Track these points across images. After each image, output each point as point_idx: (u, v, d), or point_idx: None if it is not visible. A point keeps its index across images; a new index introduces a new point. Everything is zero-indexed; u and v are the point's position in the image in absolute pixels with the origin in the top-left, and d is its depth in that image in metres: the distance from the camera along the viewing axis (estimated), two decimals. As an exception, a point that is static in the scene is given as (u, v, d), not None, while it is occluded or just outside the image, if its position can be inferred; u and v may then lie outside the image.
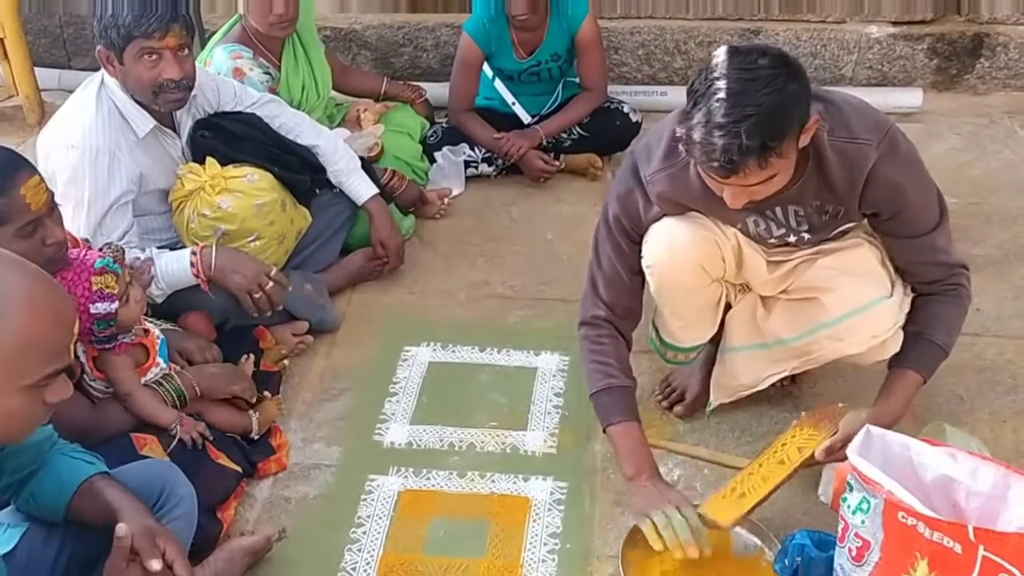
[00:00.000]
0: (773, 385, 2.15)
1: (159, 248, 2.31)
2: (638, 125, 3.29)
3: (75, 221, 2.17)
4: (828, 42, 3.80)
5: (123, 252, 1.94)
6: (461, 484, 2.06)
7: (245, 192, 2.33)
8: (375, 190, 2.70)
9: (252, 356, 2.25)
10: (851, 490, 1.54)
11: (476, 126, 3.23)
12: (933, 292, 1.88)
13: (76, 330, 1.29)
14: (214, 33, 2.97)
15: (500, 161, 3.26)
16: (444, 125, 3.35)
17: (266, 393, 2.20)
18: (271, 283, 2.28)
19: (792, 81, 1.57)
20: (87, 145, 2.20)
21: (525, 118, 3.29)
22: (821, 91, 1.77)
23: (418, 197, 3.04)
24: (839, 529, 1.59)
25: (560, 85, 3.32)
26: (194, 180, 2.31)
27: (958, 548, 1.41)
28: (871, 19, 3.79)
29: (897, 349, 1.90)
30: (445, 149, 3.26)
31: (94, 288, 1.82)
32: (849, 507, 1.54)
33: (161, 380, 1.98)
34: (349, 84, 3.41)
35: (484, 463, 2.12)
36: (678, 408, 2.22)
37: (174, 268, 2.23)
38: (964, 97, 3.84)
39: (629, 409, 1.94)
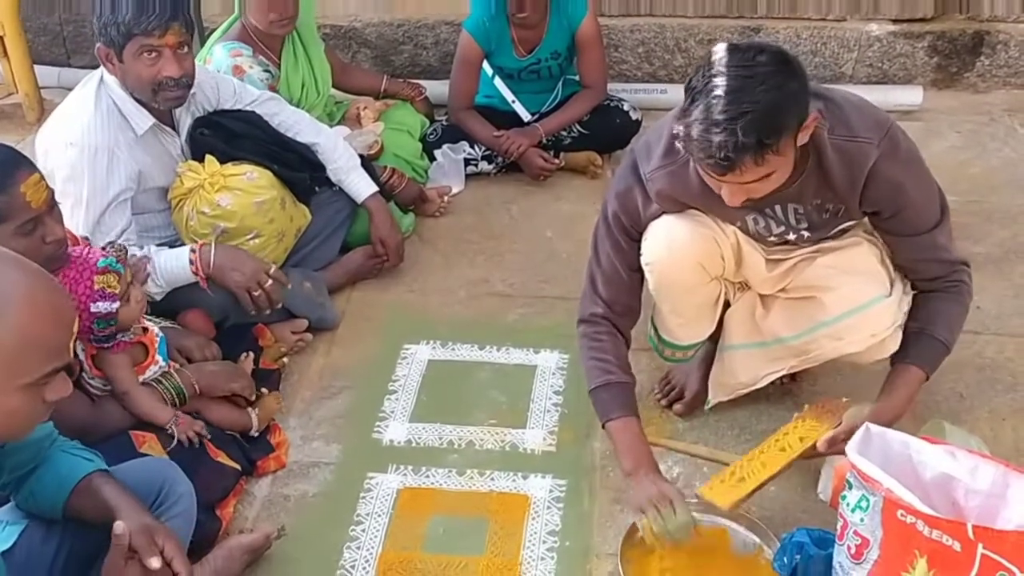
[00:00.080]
0: (772, 383, 2.15)
1: (158, 246, 2.31)
2: (638, 123, 3.29)
3: (74, 219, 2.17)
4: (828, 40, 3.80)
5: (126, 252, 1.94)
6: (460, 482, 2.06)
7: (244, 190, 2.33)
8: (375, 188, 2.70)
9: (251, 354, 2.25)
10: (850, 488, 1.54)
11: (476, 124, 3.23)
12: (934, 289, 1.88)
13: (76, 329, 1.29)
14: (214, 31, 2.97)
15: (500, 159, 3.26)
16: (444, 123, 3.35)
17: (264, 390, 2.20)
18: (270, 281, 2.28)
19: (790, 79, 1.57)
20: (86, 143, 2.19)
21: (525, 116, 3.28)
22: (821, 89, 1.77)
23: (418, 195, 3.04)
24: (838, 527, 1.59)
25: (560, 83, 3.32)
26: (193, 178, 2.31)
27: (957, 546, 1.41)
28: (871, 17, 3.79)
29: (896, 348, 1.90)
30: (445, 147, 3.26)
31: (96, 287, 1.82)
32: (848, 505, 1.54)
33: (160, 378, 1.98)
34: (349, 82, 3.41)
35: (483, 461, 2.12)
36: (677, 406, 2.22)
37: (173, 266, 2.23)
38: (964, 95, 3.84)
39: (628, 405, 1.94)
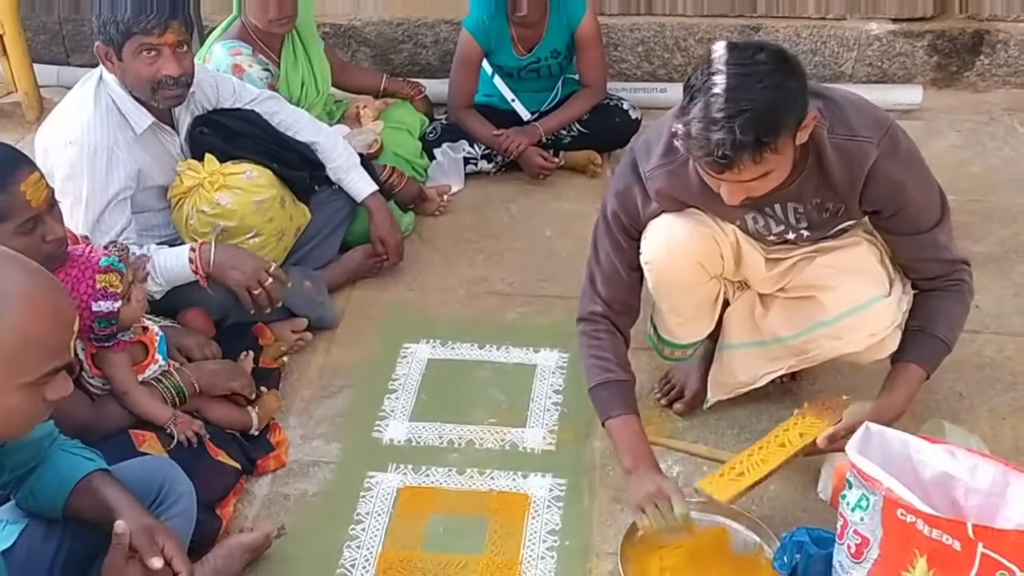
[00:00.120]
0: (772, 382, 2.15)
1: (158, 244, 2.31)
2: (638, 122, 3.29)
3: (73, 217, 2.16)
4: (828, 39, 3.80)
5: (128, 251, 1.94)
6: (460, 481, 2.06)
7: (244, 189, 2.33)
8: (374, 187, 2.70)
9: (251, 353, 2.25)
10: (850, 487, 1.54)
11: (475, 123, 3.23)
12: (935, 288, 1.88)
13: (76, 328, 1.28)
14: (213, 30, 2.97)
15: (499, 158, 3.26)
16: (443, 122, 3.35)
17: (263, 388, 2.20)
18: (270, 280, 2.28)
19: (789, 77, 1.57)
20: (85, 141, 2.19)
21: (524, 115, 3.28)
22: (821, 88, 1.77)
23: (417, 194, 3.04)
24: (838, 526, 1.59)
25: (559, 82, 3.32)
26: (193, 177, 2.31)
27: (957, 545, 1.41)
28: (871, 16, 3.79)
29: (895, 348, 1.90)
30: (444, 146, 3.26)
31: (98, 286, 1.82)
32: (848, 504, 1.54)
33: (160, 377, 1.98)
34: (348, 81, 3.41)
35: (483, 460, 2.12)
36: (677, 405, 2.22)
37: (173, 264, 2.23)
38: (964, 94, 3.84)
39: (627, 403, 1.94)
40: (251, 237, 2.36)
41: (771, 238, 1.93)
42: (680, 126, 1.62)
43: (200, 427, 1.95)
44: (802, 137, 1.64)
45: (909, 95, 3.69)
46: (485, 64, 3.23)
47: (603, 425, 1.97)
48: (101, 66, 2.23)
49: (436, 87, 3.56)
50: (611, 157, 3.35)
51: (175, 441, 1.89)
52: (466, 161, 3.26)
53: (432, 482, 2.06)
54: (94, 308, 1.82)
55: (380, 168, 2.92)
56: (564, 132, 3.29)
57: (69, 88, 2.37)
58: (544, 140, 3.25)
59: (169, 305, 2.28)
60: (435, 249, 2.92)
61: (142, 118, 2.26)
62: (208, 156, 2.33)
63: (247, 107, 2.51)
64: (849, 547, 1.55)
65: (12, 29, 3.54)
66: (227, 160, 2.35)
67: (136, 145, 2.27)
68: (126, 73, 2.19)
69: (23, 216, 1.71)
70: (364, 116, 3.20)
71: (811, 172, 1.75)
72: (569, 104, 3.27)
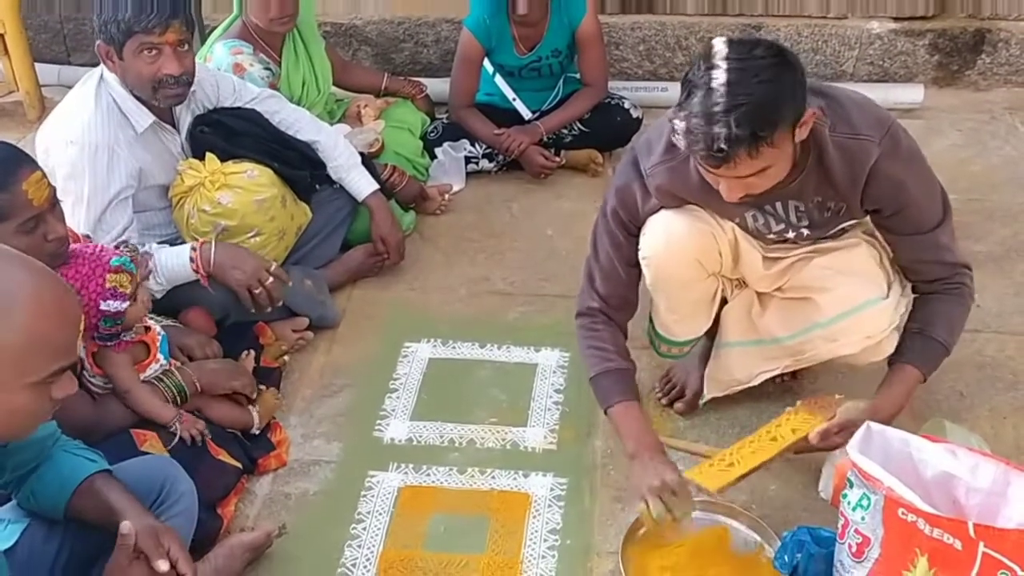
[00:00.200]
0: (773, 381, 2.15)
1: (159, 244, 2.31)
2: (639, 121, 3.28)
3: (75, 217, 2.16)
4: (829, 38, 3.80)
5: (138, 252, 1.94)
6: (461, 480, 2.06)
7: (245, 188, 2.33)
8: (375, 186, 2.70)
9: (252, 352, 2.25)
10: (851, 486, 1.54)
11: (477, 122, 3.23)
12: (935, 291, 1.88)
13: (82, 327, 1.29)
14: (214, 29, 2.97)
15: (501, 157, 3.26)
16: (445, 121, 3.35)
17: (261, 386, 2.20)
18: (271, 279, 2.28)
19: (787, 72, 1.57)
20: (86, 141, 2.19)
21: (526, 114, 3.28)
22: (823, 87, 1.77)
23: (418, 193, 3.04)
24: (839, 525, 1.59)
25: (561, 81, 3.31)
26: (194, 176, 2.31)
27: (958, 544, 1.41)
28: (872, 15, 3.78)
29: (892, 350, 1.90)
30: (446, 145, 3.26)
31: (107, 285, 1.82)
32: (849, 503, 1.54)
33: (161, 376, 1.98)
34: (349, 80, 3.40)
35: (484, 459, 2.12)
36: (678, 404, 2.22)
37: (174, 263, 2.23)
38: (965, 93, 3.84)
39: (627, 390, 1.95)
40: (252, 236, 2.36)
41: (771, 236, 1.93)
42: (677, 120, 1.62)
43: (203, 426, 1.95)
44: (801, 134, 1.64)
45: (910, 94, 3.69)
46: (486, 63, 3.23)
47: (605, 413, 1.97)
48: (102, 65, 2.23)
49: (437, 86, 3.56)
50: (612, 156, 3.35)
51: (177, 439, 1.89)
52: (467, 160, 3.26)
53: (433, 481, 2.06)
54: (102, 307, 1.82)
55: (381, 167, 2.91)
56: (565, 131, 3.29)
57: (70, 87, 2.37)
58: (545, 139, 3.25)
59: (170, 304, 2.28)
60: (436, 248, 2.92)
61: (143, 117, 2.26)
62: (209, 155, 2.33)
63: (248, 106, 2.51)
64: (850, 546, 1.55)
65: (13, 28, 3.54)
66: (228, 159, 2.35)
67: (137, 144, 2.27)
68: (127, 72, 2.19)
69: (25, 215, 1.71)
70: (365, 115, 3.20)
71: (812, 170, 1.75)
72: (570, 103, 3.27)
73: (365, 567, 1.86)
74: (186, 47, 2.20)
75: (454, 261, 2.85)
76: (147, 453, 1.81)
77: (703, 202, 1.88)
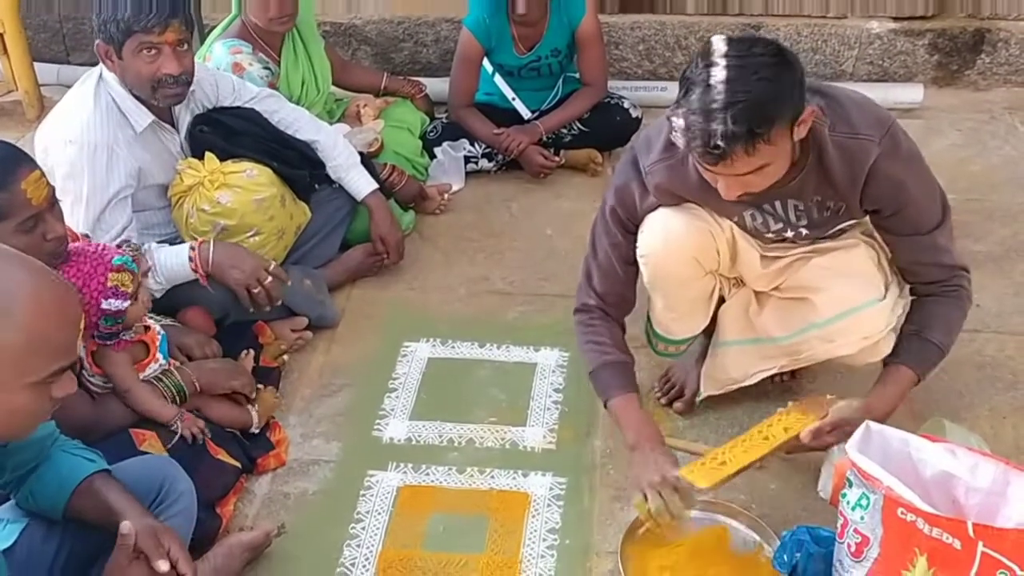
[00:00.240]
0: (772, 380, 2.15)
1: (158, 243, 2.31)
2: (638, 121, 3.28)
3: (74, 216, 2.16)
4: (829, 37, 3.80)
5: (140, 251, 1.94)
6: (460, 480, 2.06)
7: (244, 187, 2.33)
8: (375, 185, 2.70)
9: (252, 351, 2.25)
10: (850, 486, 1.54)
11: (476, 122, 3.23)
12: (932, 293, 1.87)
13: (82, 326, 1.28)
14: (213, 28, 2.97)
15: (500, 157, 3.25)
16: (444, 120, 3.35)
17: (260, 385, 2.19)
18: (270, 278, 2.27)
19: (785, 70, 1.56)
20: (85, 140, 2.19)
21: (525, 114, 3.28)
22: (823, 86, 1.77)
23: (418, 193, 3.04)
24: (838, 525, 1.59)
25: (560, 80, 3.31)
26: (193, 175, 2.31)
27: (957, 544, 1.41)
28: (872, 14, 3.78)
29: (889, 351, 1.90)
30: (445, 144, 3.26)
31: (109, 284, 1.82)
32: (848, 503, 1.54)
33: (160, 376, 1.98)
34: (349, 79, 3.40)
35: (483, 459, 2.12)
36: (677, 404, 2.22)
37: (172, 263, 2.23)
38: (965, 93, 3.84)
39: (626, 382, 1.95)
40: (251, 236, 2.36)
41: (769, 236, 1.93)
42: (675, 118, 1.62)
43: (204, 426, 1.95)
44: (800, 133, 1.64)
45: (910, 94, 3.69)
46: (486, 63, 3.22)
47: (605, 406, 1.97)
48: (101, 64, 2.23)
49: (437, 86, 3.56)
50: (612, 156, 3.35)
51: (177, 438, 1.89)
52: (467, 160, 3.26)
53: (432, 481, 2.06)
54: (103, 305, 1.82)
55: (380, 166, 2.91)
56: (565, 131, 3.29)
57: (69, 86, 2.37)
58: (545, 139, 3.25)
59: (169, 304, 2.28)
60: (435, 248, 2.92)
61: (142, 116, 2.26)
62: (208, 154, 2.33)
63: (247, 105, 2.51)
64: (849, 546, 1.55)
65: (12, 27, 3.54)
66: (227, 158, 2.35)
67: (136, 143, 2.27)
68: (126, 71, 2.19)
69: (24, 214, 1.71)
70: (364, 115, 3.20)
71: (812, 170, 1.75)
72: (570, 103, 3.27)
73: (364, 567, 1.86)
74: (185, 47, 2.20)
75: (453, 261, 2.85)
76: (146, 453, 1.81)
77: (702, 200, 1.88)
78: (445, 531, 1.94)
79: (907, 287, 1.93)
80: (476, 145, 3.26)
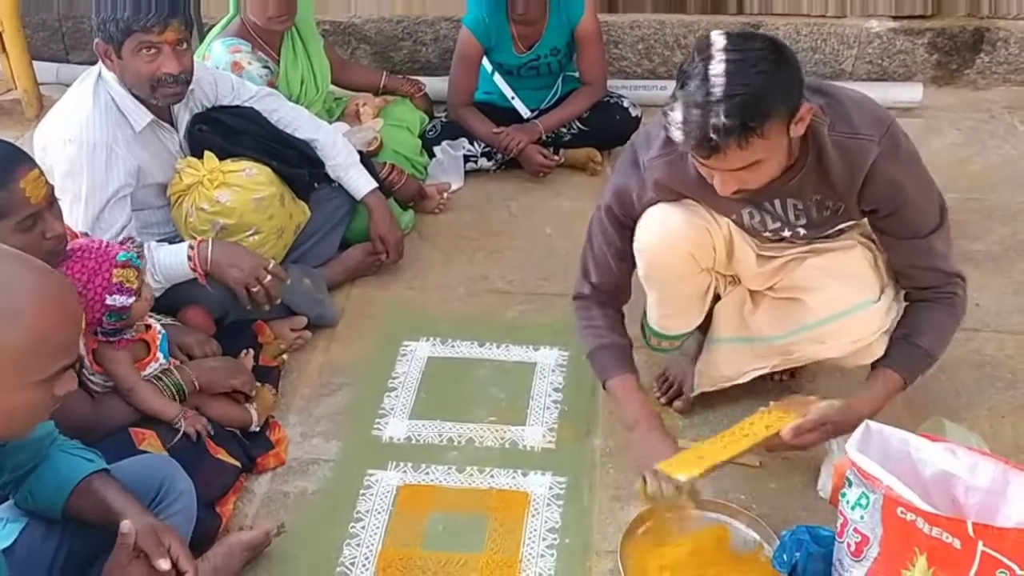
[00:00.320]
0: (771, 379, 2.15)
1: (158, 242, 2.31)
2: (638, 119, 3.28)
3: (73, 215, 2.16)
4: (828, 36, 3.80)
5: (144, 248, 1.94)
6: (460, 479, 2.06)
7: (243, 186, 2.33)
8: (374, 184, 2.70)
9: (251, 351, 2.25)
10: (850, 485, 1.54)
11: (475, 120, 3.23)
12: (926, 299, 1.87)
13: (83, 323, 1.28)
14: (212, 27, 2.97)
15: (499, 156, 3.25)
16: (443, 119, 3.35)
17: (258, 384, 2.19)
18: (269, 277, 2.27)
19: (781, 66, 1.56)
20: (84, 139, 2.19)
21: (524, 112, 3.28)
22: (823, 85, 1.77)
23: (417, 192, 3.04)
24: (838, 524, 1.59)
25: (559, 79, 3.31)
26: (192, 174, 2.31)
27: (957, 543, 1.41)
28: (871, 13, 3.78)
29: (881, 353, 1.89)
30: (444, 143, 3.26)
31: (114, 280, 1.82)
32: (848, 502, 1.54)
33: (160, 375, 1.98)
34: (348, 78, 3.40)
35: (483, 458, 2.11)
36: (677, 403, 2.22)
37: (172, 262, 2.23)
38: (964, 92, 3.84)
39: (622, 363, 1.98)
40: (251, 235, 2.36)
41: (766, 234, 1.92)
42: (670, 110, 1.62)
43: (206, 423, 1.95)
44: (797, 130, 1.63)
45: (909, 93, 3.69)
46: (485, 62, 3.22)
47: (604, 388, 1.99)
48: (100, 63, 2.23)
49: (436, 84, 3.56)
50: (611, 155, 3.35)
51: (180, 435, 1.89)
52: (466, 159, 3.26)
53: (432, 480, 2.06)
54: (107, 301, 1.82)
55: (380, 166, 2.91)
56: (564, 130, 3.29)
57: (68, 85, 2.37)
58: (544, 138, 3.25)
59: (169, 303, 2.27)
60: (435, 247, 2.92)
61: (141, 116, 2.26)
62: (207, 153, 2.33)
63: (246, 104, 2.51)
64: (849, 545, 1.55)
65: (11, 26, 3.53)
66: (226, 157, 2.35)
67: (135, 142, 2.27)
68: (125, 71, 2.18)
69: (23, 213, 1.71)
70: (364, 114, 3.20)
71: (811, 169, 1.75)
72: (569, 102, 3.27)
73: (364, 566, 1.86)
74: (185, 46, 2.20)
75: (453, 260, 2.85)
76: (145, 452, 1.81)
77: (700, 197, 1.88)
78: (445, 530, 1.94)
79: (903, 291, 1.92)
80: (475, 144, 3.26)
